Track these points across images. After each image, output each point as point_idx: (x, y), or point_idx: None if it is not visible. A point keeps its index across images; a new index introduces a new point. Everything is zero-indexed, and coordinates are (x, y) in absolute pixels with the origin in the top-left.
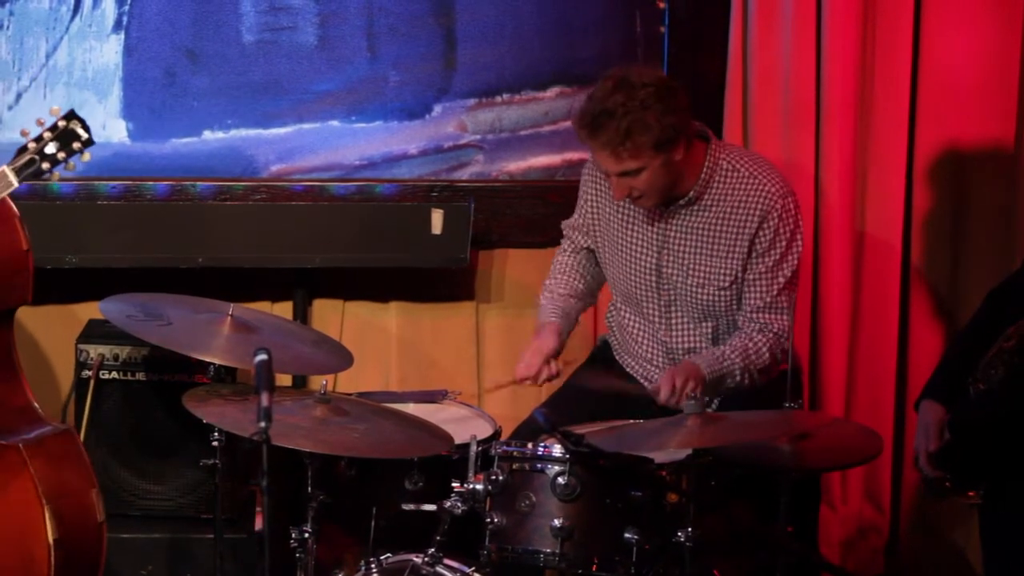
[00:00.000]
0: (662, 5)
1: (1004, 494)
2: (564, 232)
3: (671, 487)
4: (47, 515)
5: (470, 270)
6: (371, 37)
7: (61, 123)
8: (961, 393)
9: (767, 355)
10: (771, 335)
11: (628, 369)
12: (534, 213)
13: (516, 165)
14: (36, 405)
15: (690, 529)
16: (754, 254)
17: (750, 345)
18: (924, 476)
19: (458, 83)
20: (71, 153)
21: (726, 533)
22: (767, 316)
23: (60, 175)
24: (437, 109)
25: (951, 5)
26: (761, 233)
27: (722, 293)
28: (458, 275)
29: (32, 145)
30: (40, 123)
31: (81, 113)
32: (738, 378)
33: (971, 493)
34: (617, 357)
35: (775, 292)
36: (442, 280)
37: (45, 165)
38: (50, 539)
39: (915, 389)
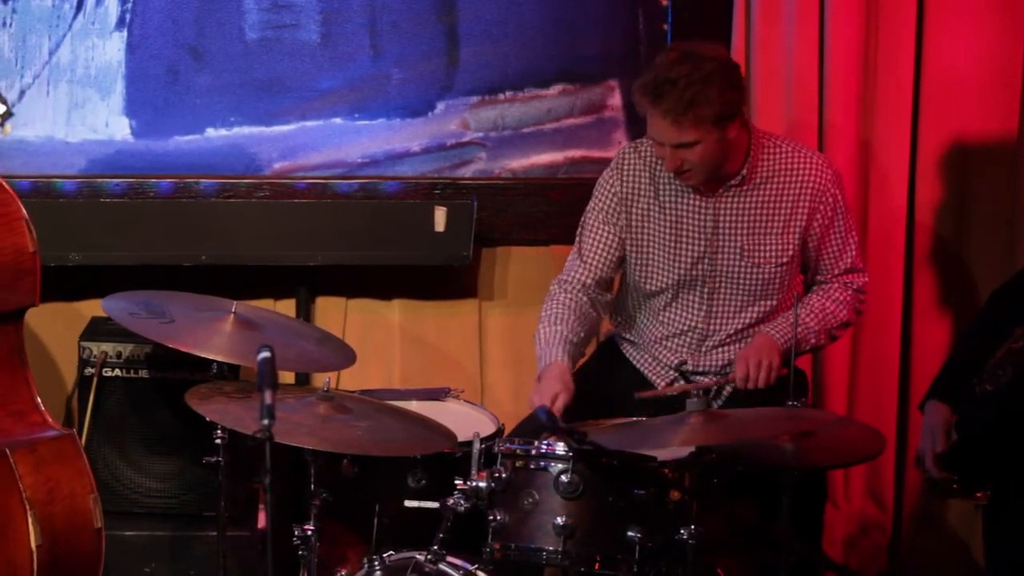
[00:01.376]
0: (665, 3)
1: (1009, 495)
2: (563, 278)
3: (674, 485)
4: (30, 521)
5: (473, 268)
6: (374, 35)
7: None
8: (967, 394)
9: (845, 312)
10: (852, 290)
11: (638, 365)
12: (537, 211)
13: (519, 163)
14: (42, 408)
15: (693, 527)
16: (819, 225)
17: (828, 304)
18: (929, 477)
19: (461, 81)
20: None
21: (729, 531)
22: (850, 276)
23: None
24: (440, 107)
25: (954, 3)
26: (822, 205)
27: (779, 270)
28: (461, 273)
29: None
30: None
31: (84, 111)
32: (813, 340)
33: (979, 494)
34: (628, 354)
35: (854, 253)
36: (445, 278)
37: None
38: (32, 545)
39: (918, 387)
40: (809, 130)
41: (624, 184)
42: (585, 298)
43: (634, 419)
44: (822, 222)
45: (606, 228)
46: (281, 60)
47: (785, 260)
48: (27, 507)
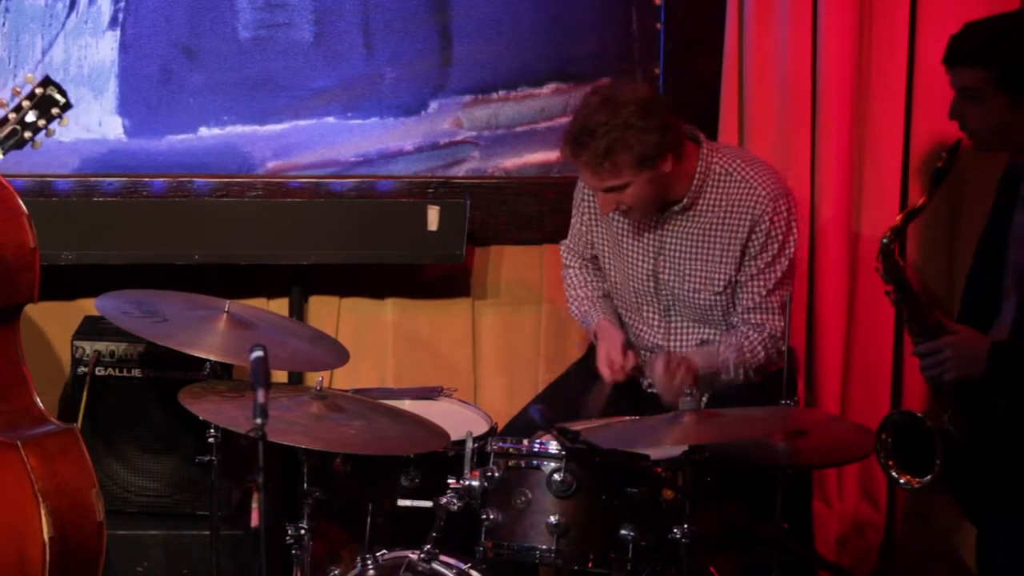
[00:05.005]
0: (658, 2)
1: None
2: (563, 253)
3: (667, 484)
4: (43, 513)
5: (466, 267)
6: (367, 34)
7: (38, 90)
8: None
9: (762, 353)
10: (765, 335)
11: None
12: (530, 210)
13: (512, 162)
14: (40, 404)
15: (686, 526)
16: (747, 256)
17: (744, 343)
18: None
19: (454, 80)
20: (51, 119)
21: (722, 530)
22: (759, 316)
23: (42, 142)
24: (433, 106)
25: (946, 3)
26: (754, 236)
27: (717, 298)
28: (454, 272)
29: (12, 116)
30: (16, 92)
31: (77, 110)
32: (731, 374)
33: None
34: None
35: (765, 293)
36: (438, 277)
37: (27, 134)
38: (45, 537)
39: (910, 387)
40: (802, 129)
41: (589, 194)
42: (588, 267)
43: (627, 418)
44: (751, 252)
45: (581, 227)
46: (274, 59)
47: (720, 288)
48: (40, 499)
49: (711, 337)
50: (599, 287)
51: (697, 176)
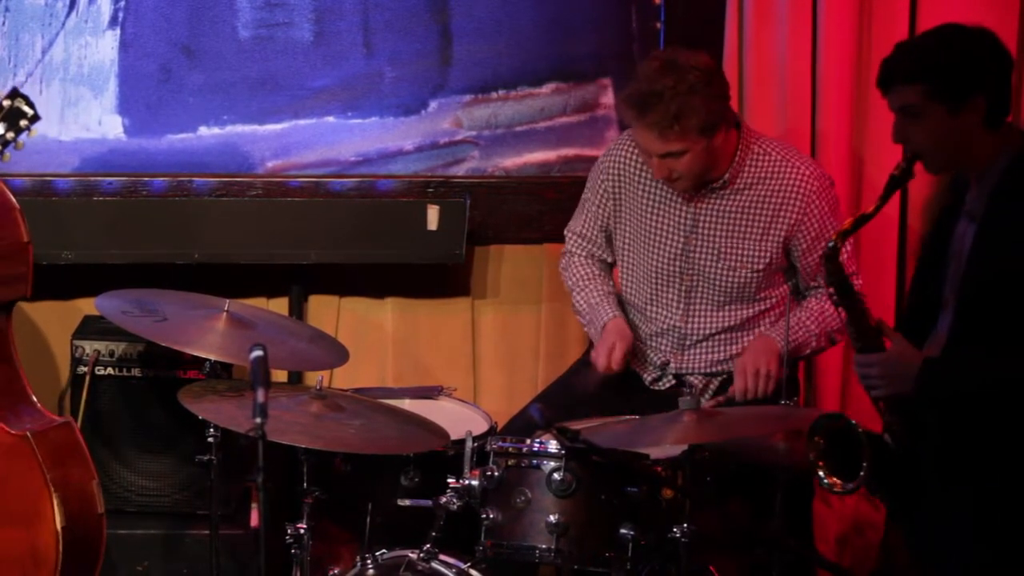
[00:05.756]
0: (658, 1)
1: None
2: (570, 239)
3: (667, 483)
4: (55, 503)
5: (466, 266)
6: (367, 33)
7: (5, 102)
8: None
9: (836, 318)
10: None
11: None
12: (530, 209)
13: (512, 161)
14: (34, 398)
15: (686, 525)
16: (805, 236)
17: (825, 307)
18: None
19: (454, 79)
20: (19, 131)
21: (722, 529)
22: None
23: (11, 156)
24: (433, 105)
25: (947, 2)
26: (807, 216)
27: (755, 275)
28: (454, 271)
29: None
30: None
31: (77, 109)
32: (814, 343)
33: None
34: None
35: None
36: (438, 276)
37: None
38: (58, 527)
39: None
40: (802, 129)
41: (619, 171)
42: (594, 260)
43: (626, 417)
44: (809, 232)
45: (600, 211)
46: (274, 58)
47: (761, 267)
48: (51, 489)
49: (731, 323)
50: (608, 282)
51: (737, 155)
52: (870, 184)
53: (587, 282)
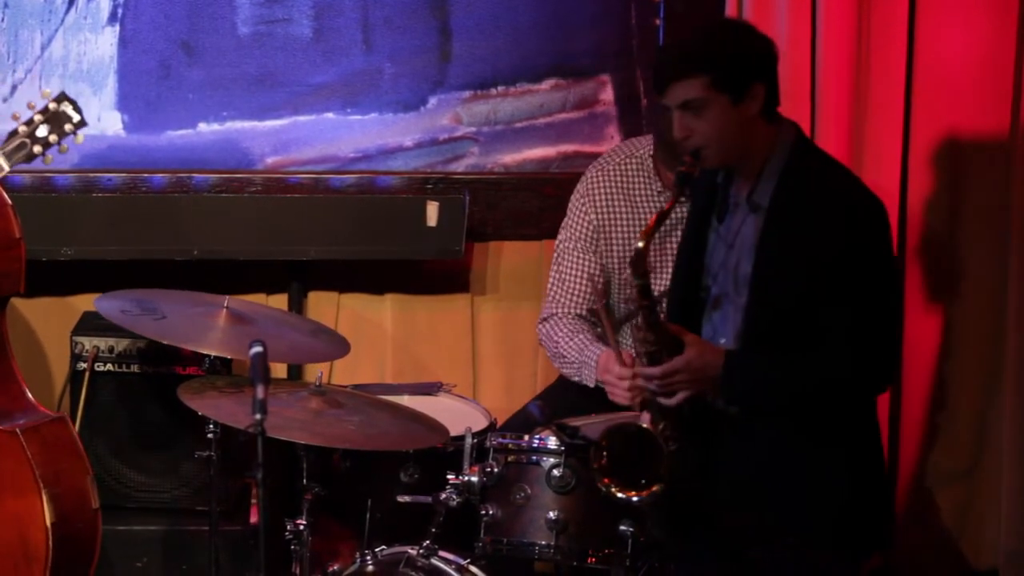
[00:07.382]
0: None
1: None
2: (548, 307)
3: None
4: (44, 499)
5: (465, 262)
6: (366, 29)
7: (52, 105)
8: None
9: None
10: None
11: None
12: (529, 205)
13: (511, 157)
14: (29, 394)
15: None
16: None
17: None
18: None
19: (453, 75)
20: (63, 135)
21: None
22: None
23: (53, 158)
24: (432, 101)
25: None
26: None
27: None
28: (453, 267)
29: (23, 129)
30: (31, 106)
31: None
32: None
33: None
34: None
35: None
36: (437, 272)
37: (37, 148)
38: (48, 523)
39: (910, 384)
40: (801, 125)
41: (598, 212)
42: (578, 318)
43: (625, 413)
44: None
45: (584, 256)
46: (273, 55)
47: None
48: (41, 485)
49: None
50: (590, 332)
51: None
52: (870, 180)
53: (566, 342)
